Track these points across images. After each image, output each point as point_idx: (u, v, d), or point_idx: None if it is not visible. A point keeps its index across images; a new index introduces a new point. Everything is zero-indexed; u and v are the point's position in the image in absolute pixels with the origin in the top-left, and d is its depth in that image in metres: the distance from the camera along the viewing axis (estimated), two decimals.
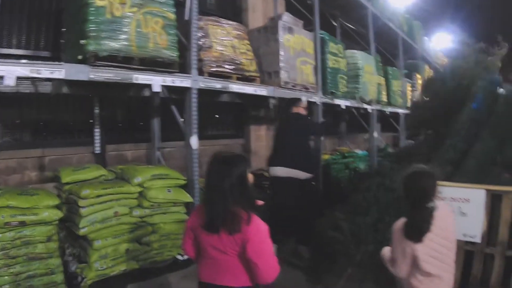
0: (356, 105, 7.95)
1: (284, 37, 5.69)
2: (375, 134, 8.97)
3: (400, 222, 2.28)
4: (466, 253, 3.07)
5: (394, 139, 12.59)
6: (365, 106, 8.42)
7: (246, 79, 5.15)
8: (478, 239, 3.01)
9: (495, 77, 3.72)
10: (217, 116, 6.50)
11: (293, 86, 5.94)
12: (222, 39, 4.74)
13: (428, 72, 13.23)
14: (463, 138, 3.55)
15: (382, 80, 9.51)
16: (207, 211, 1.99)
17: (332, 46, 7.09)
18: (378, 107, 9.02)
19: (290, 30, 5.84)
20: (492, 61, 4.55)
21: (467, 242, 3.05)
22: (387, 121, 11.39)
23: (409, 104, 11.29)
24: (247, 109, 6.62)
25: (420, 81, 12.21)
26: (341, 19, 9.64)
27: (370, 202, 4.23)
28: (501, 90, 3.73)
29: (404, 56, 11.45)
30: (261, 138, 6.76)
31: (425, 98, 4.75)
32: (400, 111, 10.62)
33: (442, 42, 16.19)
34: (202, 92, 4.37)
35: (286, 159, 4.41)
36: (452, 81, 4.18)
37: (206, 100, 5.14)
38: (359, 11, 8.70)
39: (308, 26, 6.77)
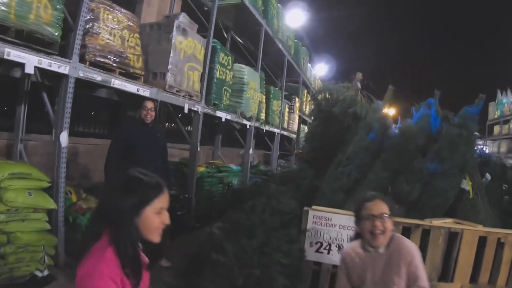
0: (236, 119, 8.39)
1: (177, 38, 5.75)
2: (251, 151, 9.54)
3: (354, 245, 2.41)
4: None
5: (266, 156, 13.53)
6: (245, 121, 8.95)
7: (129, 75, 5.03)
8: None
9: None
10: (91, 112, 6.15)
11: (177, 91, 6.01)
12: (112, 27, 4.55)
13: (307, 96, 14.64)
14: (357, 167, 3.94)
15: (263, 98, 10.19)
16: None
17: (222, 57, 7.38)
18: (256, 124, 9.64)
19: (184, 32, 5.93)
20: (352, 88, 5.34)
21: None
22: (261, 139, 12.24)
23: (285, 124, 12.33)
24: (125, 109, 6.43)
25: (297, 105, 13.43)
26: (233, 32, 10.08)
27: (255, 224, 4.33)
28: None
29: (286, 78, 12.48)
30: None
31: (315, 123, 5.27)
32: (276, 130, 11.51)
33: (322, 71, 18.09)
34: (79, 82, 4.16)
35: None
36: (340, 108, 4.74)
37: (81, 93, 4.87)
38: (252, 27, 9.25)
39: (201, 32, 6.96)
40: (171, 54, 5.69)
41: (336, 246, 3.52)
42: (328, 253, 3.55)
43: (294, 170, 5.17)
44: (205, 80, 6.89)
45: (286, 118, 12.55)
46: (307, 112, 15.17)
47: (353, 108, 4.76)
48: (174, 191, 5.88)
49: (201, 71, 6.73)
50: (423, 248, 3.25)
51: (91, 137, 5.85)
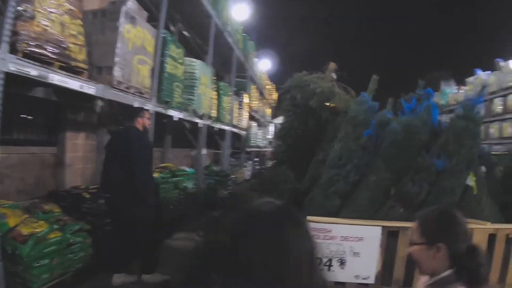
0: (188, 118, 7.70)
1: (125, 27, 4.98)
2: (204, 151, 8.89)
3: None
4: None
5: (215, 156, 12.88)
6: (197, 120, 8.27)
7: (71, 69, 4.20)
8: (371, 280, 2.99)
9: (374, 103, 3.79)
10: (23, 115, 5.10)
11: (126, 88, 5.24)
12: (50, 11, 3.71)
13: (255, 92, 14.16)
14: (356, 167, 3.44)
15: (214, 95, 9.56)
16: None
17: (173, 49, 6.66)
18: (208, 122, 8.99)
19: (132, 20, 5.16)
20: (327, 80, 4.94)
21: (359, 284, 3.00)
22: (210, 137, 11.59)
23: (235, 121, 11.77)
24: (65, 110, 5.47)
25: (246, 101, 12.92)
26: (180, 24, 9.31)
27: None
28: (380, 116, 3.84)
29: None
30: (78, 148, 5.68)
31: (290, 118, 4.77)
32: (227, 128, 10.91)
33: (267, 66, 17.70)
34: (10, 79, 3.28)
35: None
36: (317, 101, 4.27)
37: (13, 92, 3.95)
38: (201, 18, 8.55)
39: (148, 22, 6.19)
40: (118, 45, 4.91)
41: (338, 261, 3.05)
42: (329, 269, 3.06)
43: (272, 175, 4.56)
44: (156, 75, 6.15)
45: (235, 114, 12.00)
46: (255, 107, 14.73)
47: (332, 101, 4.33)
48: None
49: (152, 64, 5.99)
50: None
51: (27, 145, 4.86)
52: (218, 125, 9.94)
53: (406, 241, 3.00)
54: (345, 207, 3.35)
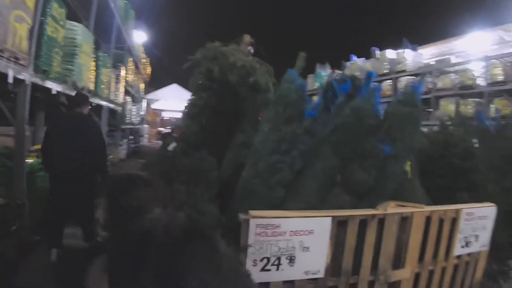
0: (67, 91, 6.58)
1: None
2: None
3: None
4: None
5: None
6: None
7: None
8: (321, 274, 2.81)
9: (303, 81, 3.39)
10: None
11: (0, 51, 4.17)
12: None
13: (131, 65, 12.97)
14: (302, 153, 3.10)
15: (93, 65, 8.40)
16: None
17: (55, 8, 5.52)
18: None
19: None
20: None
21: (309, 280, 2.79)
22: None
23: (112, 97, 10.64)
24: None
25: (123, 74, 11.77)
26: None
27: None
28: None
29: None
30: None
31: (205, 95, 4.20)
32: (104, 103, 9.77)
33: (143, 38, 16.40)
34: None
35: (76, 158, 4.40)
36: (238, 76, 3.84)
37: None
38: None
39: None
40: None
41: (287, 258, 2.82)
42: (277, 269, 2.81)
43: (191, 160, 3.89)
44: (35, 37, 5.04)
45: (112, 89, 10.82)
46: (130, 82, 13.57)
47: (254, 77, 3.98)
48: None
49: (31, 24, 4.88)
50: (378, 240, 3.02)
51: None
52: (95, 100, 8.79)
53: (354, 230, 2.91)
54: (290, 199, 3.10)
